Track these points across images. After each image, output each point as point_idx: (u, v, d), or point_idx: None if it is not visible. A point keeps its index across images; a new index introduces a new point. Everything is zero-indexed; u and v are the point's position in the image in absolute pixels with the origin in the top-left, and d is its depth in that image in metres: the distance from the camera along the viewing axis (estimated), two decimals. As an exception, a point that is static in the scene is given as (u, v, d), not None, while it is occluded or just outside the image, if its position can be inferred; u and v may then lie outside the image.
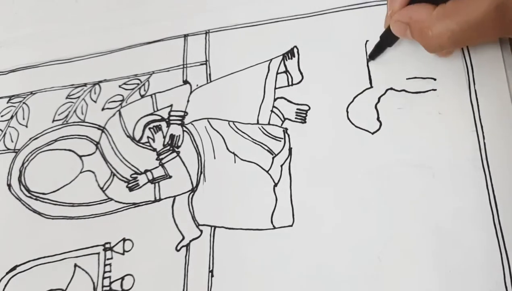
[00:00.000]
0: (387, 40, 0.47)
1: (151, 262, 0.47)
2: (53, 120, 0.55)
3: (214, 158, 0.49)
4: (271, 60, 0.52)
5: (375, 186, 0.45)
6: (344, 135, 0.47)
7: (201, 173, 0.49)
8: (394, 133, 0.46)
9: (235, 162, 0.49)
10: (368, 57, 0.49)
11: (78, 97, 0.55)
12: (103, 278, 0.47)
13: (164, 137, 0.51)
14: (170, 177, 0.50)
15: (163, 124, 0.52)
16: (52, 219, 0.50)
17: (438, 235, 0.42)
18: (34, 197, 0.52)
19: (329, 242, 0.44)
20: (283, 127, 0.49)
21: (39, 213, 0.51)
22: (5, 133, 0.55)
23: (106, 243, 0.48)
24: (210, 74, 0.53)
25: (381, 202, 0.44)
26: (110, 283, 0.47)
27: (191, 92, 0.53)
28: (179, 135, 0.51)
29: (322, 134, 0.48)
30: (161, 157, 0.51)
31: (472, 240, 0.41)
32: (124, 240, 0.48)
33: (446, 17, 0.39)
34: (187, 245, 0.47)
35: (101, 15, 0.59)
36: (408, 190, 0.44)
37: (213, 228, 0.47)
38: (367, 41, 0.50)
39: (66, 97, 0.56)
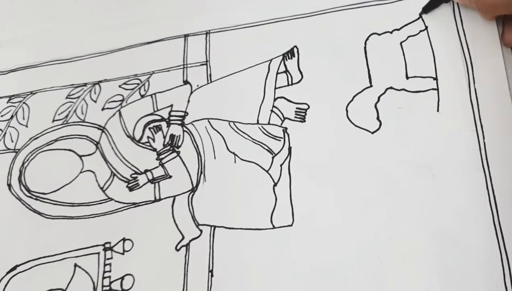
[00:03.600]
0: None
1: (151, 261, 0.47)
2: (53, 120, 0.55)
3: (214, 158, 0.49)
4: (271, 60, 0.52)
5: (375, 186, 0.45)
6: (344, 134, 0.47)
7: (201, 173, 0.49)
8: (394, 132, 0.46)
9: (235, 162, 0.49)
10: (422, 10, 0.49)
11: (78, 97, 0.55)
12: (103, 277, 0.47)
13: (164, 137, 0.51)
14: (170, 176, 0.50)
15: (163, 124, 0.52)
16: (52, 219, 0.50)
17: (438, 235, 0.42)
18: (34, 197, 0.52)
19: (328, 242, 0.44)
20: (282, 127, 0.49)
21: (39, 213, 0.51)
22: (5, 133, 0.55)
23: (106, 243, 0.48)
24: (210, 75, 0.53)
25: (381, 202, 0.44)
26: (110, 282, 0.47)
27: (191, 92, 0.53)
28: (179, 135, 0.51)
29: (322, 133, 0.48)
30: (161, 156, 0.51)
31: (472, 240, 0.41)
32: (124, 239, 0.48)
33: None
34: (187, 245, 0.46)
35: (101, 15, 0.59)
36: (408, 190, 0.44)
37: (213, 227, 0.47)
38: (366, 40, 0.50)
39: (66, 97, 0.56)
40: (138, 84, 0.55)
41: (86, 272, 0.47)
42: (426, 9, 0.49)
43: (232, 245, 0.46)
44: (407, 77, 0.48)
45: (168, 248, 0.47)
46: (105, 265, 0.47)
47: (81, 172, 0.52)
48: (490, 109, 0.44)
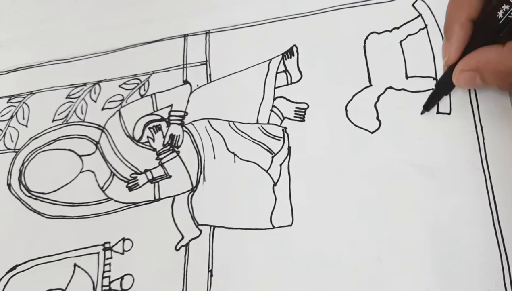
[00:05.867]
0: (444, 88, 0.44)
1: (151, 261, 0.47)
2: (53, 120, 0.55)
3: (214, 158, 0.49)
4: (270, 59, 0.52)
5: (374, 186, 0.44)
6: (343, 134, 0.47)
7: (201, 172, 0.49)
8: (394, 132, 0.46)
9: (235, 162, 0.49)
10: (422, 108, 0.45)
11: (78, 97, 0.55)
12: (103, 277, 0.47)
13: (164, 137, 0.51)
14: (170, 176, 0.50)
15: (163, 124, 0.52)
16: (52, 218, 0.50)
17: (437, 235, 0.42)
18: (34, 197, 0.52)
19: (328, 241, 0.44)
20: (282, 127, 0.49)
21: (39, 213, 0.51)
22: (5, 133, 0.55)
23: (106, 242, 0.48)
24: (210, 75, 0.53)
25: (381, 202, 0.44)
26: (110, 282, 0.47)
27: (191, 92, 0.53)
28: (179, 135, 0.51)
29: (321, 133, 0.48)
30: (161, 156, 0.51)
31: (472, 240, 0.41)
32: (123, 239, 0.48)
33: None
34: (187, 245, 0.46)
35: (101, 15, 0.59)
36: (407, 190, 0.44)
37: (212, 227, 0.47)
38: (366, 39, 0.50)
39: (66, 97, 0.56)
40: (138, 84, 0.55)
41: (86, 272, 0.47)
42: (427, 107, 0.45)
43: (232, 245, 0.46)
44: (407, 77, 0.48)
45: (168, 248, 0.47)
46: (104, 265, 0.47)
47: (81, 172, 0.52)
48: (490, 109, 0.44)
